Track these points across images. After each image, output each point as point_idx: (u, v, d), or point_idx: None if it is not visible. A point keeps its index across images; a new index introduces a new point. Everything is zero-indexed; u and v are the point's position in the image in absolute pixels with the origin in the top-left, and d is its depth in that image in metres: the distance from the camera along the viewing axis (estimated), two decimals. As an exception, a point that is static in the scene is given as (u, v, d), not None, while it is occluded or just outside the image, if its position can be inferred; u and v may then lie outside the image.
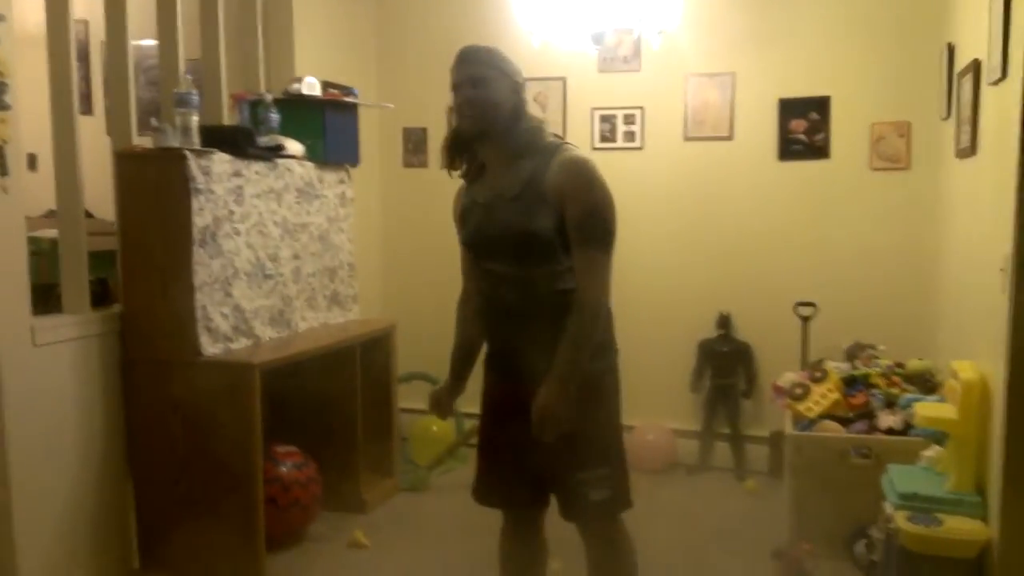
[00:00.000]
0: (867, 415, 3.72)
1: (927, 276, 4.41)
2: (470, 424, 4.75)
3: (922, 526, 2.89)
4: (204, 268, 3.32)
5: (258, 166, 3.62)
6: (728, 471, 4.72)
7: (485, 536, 3.24)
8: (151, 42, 3.96)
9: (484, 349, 2.66)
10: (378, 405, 4.23)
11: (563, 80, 4.99)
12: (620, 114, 4.93)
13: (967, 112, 3.51)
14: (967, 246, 3.57)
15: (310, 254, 4.01)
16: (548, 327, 2.36)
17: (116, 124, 3.55)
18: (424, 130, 5.28)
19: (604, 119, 4.96)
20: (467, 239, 2.51)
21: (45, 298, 3.41)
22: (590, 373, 2.40)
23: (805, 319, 4.54)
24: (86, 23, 5.01)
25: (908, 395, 3.70)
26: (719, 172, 4.79)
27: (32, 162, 4.57)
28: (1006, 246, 2.68)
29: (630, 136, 4.93)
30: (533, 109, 4.94)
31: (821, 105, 4.62)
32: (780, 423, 4.44)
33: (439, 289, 5.40)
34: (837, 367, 4.04)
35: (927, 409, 3.22)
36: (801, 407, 3.82)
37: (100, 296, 3.54)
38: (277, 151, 3.70)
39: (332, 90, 4.01)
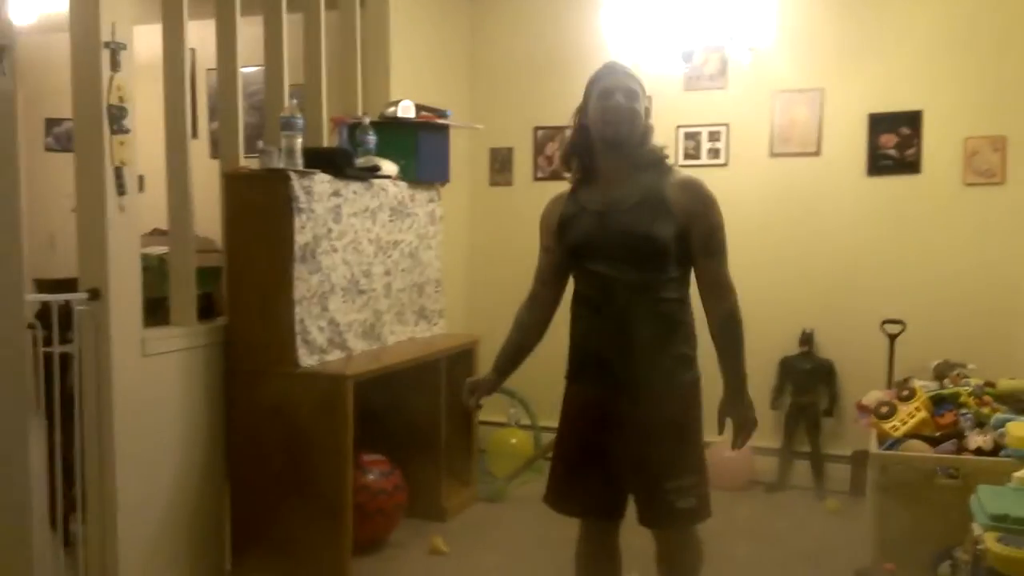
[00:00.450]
0: (955, 435, 3.66)
1: (1020, 294, 4.31)
2: (548, 439, 4.84)
3: (1012, 547, 2.84)
4: (303, 283, 3.50)
5: (355, 186, 3.80)
6: (807, 490, 4.70)
7: (560, 547, 3.32)
8: (253, 69, 4.17)
9: (568, 360, 2.75)
10: (460, 417, 4.34)
11: (648, 98, 5.04)
12: (705, 131, 4.97)
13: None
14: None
15: (400, 270, 4.17)
16: (651, 331, 2.50)
17: (224, 147, 3.77)
18: (510, 150, 5.41)
19: (688, 136, 5.01)
20: (574, 243, 2.59)
21: (152, 311, 3.62)
22: (680, 384, 2.54)
23: (892, 337, 4.49)
24: (193, 51, 5.30)
25: (1000, 415, 3.63)
26: (805, 188, 4.78)
27: (140, 183, 4.86)
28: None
29: (715, 153, 4.96)
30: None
31: (912, 119, 4.58)
32: (862, 442, 4.39)
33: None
34: (925, 386, 3.99)
35: (1020, 429, 3.16)
36: (887, 426, 3.78)
37: (206, 310, 3.75)
38: (373, 171, 3.87)
39: (425, 112, 4.17)
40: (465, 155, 5.32)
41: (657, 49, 4.19)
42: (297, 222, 3.45)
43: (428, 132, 4.23)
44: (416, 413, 4.13)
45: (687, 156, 5.01)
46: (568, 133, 2.71)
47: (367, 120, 3.96)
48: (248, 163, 3.76)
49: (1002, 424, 3.45)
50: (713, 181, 4.76)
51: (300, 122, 3.50)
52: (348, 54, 4.45)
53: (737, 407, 2.56)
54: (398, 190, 4.11)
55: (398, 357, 3.89)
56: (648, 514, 2.60)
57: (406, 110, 4.07)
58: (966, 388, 3.89)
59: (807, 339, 4.73)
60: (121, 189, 3.10)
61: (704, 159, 4.98)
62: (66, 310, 3.02)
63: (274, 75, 3.97)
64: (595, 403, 2.62)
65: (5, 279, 1.88)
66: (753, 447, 4.79)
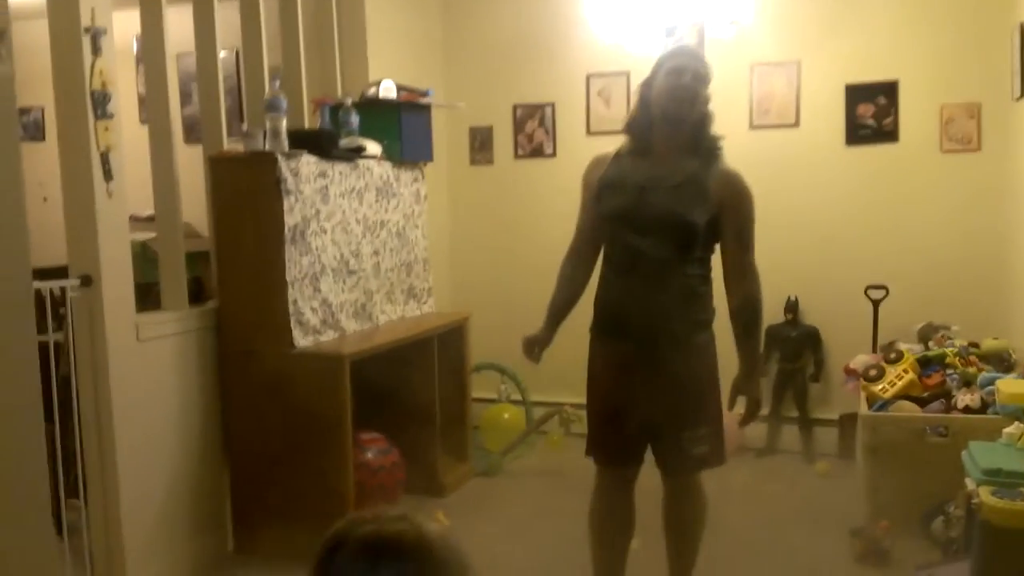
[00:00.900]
0: (943, 395, 3.74)
1: (999, 256, 4.40)
2: (540, 412, 4.87)
3: (1007, 500, 2.91)
4: (295, 265, 3.49)
5: (341, 167, 3.78)
6: (796, 454, 4.77)
7: (557, 517, 3.38)
8: (223, 53, 4.12)
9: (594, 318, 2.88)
10: (453, 394, 4.38)
11: (627, 74, 5.06)
12: (684, 106, 4.98)
13: (1043, 91, 3.51)
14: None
15: (388, 250, 4.16)
16: (672, 303, 2.68)
17: (206, 131, 3.73)
18: (490, 128, 5.40)
19: (668, 111, 5.02)
20: (612, 211, 2.73)
21: (139, 298, 3.58)
22: (696, 343, 2.73)
23: (876, 302, 4.56)
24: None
25: (986, 374, 3.71)
26: (785, 159, 4.82)
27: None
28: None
29: (695, 127, 4.98)
30: (597, 103, 5.12)
31: (889, 89, 4.64)
32: (849, 406, 4.47)
33: (504, 282, 5.57)
34: (909, 348, 4.06)
35: (1011, 386, 3.23)
36: (876, 388, 3.85)
37: (196, 294, 3.72)
38: (358, 152, 3.85)
39: (406, 92, 4.15)
40: (444, 134, 5.31)
41: (636, 25, 4.19)
42: (286, 204, 3.43)
43: (411, 112, 4.21)
44: (410, 391, 4.13)
45: (667, 130, 5.03)
46: (632, 105, 2.84)
47: (349, 101, 3.93)
48: (231, 146, 3.73)
49: (988, 383, 3.53)
50: None
51: (284, 103, 3.47)
52: (325, 35, 4.41)
53: (750, 386, 2.74)
54: (383, 170, 4.09)
55: (391, 336, 3.89)
56: (665, 459, 2.80)
57: (387, 90, 4.05)
58: (952, 349, 3.97)
59: (792, 307, 4.78)
60: (108, 175, 3.06)
61: (684, 132, 5.00)
62: (55, 298, 2.98)
63: (253, 58, 3.93)
64: (618, 359, 2.77)
65: (12, 264, 1.86)
66: (742, 414, 4.85)
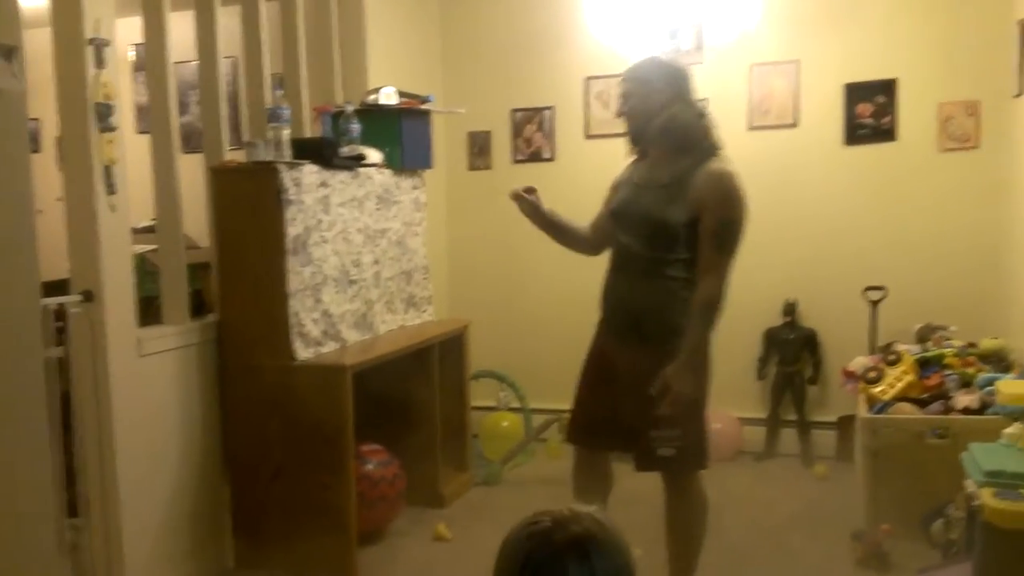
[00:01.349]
0: (942, 396, 3.75)
1: (998, 256, 4.42)
2: (539, 420, 4.88)
3: (1008, 501, 2.92)
4: (296, 276, 3.49)
5: (342, 175, 3.78)
6: (795, 457, 4.79)
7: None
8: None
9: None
10: (453, 402, 4.38)
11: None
12: (683, 107, 5.00)
13: (1043, 88, 3.51)
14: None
15: (389, 259, 4.17)
16: (654, 304, 2.80)
17: (207, 141, 3.73)
18: (488, 133, 5.41)
19: (667, 113, 5.03)
20: (612, 209, 2.95)
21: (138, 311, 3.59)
22: (672, 348, 2.76)
23: (874, 303, 4.58)
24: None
25: (985, 375, 3.72)
26: (784, 160, 4.83)
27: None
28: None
29: (694, 129, 4.99)
30: (595, 107, 5.13)
31: (887, 88, 4.65)
32: (847, 408, 4.49)
33: (504, 289, 5.59)
34: (908, 349, 4.07)
35: (1011, 387, 3.24)
36: (875, 390, 3.86)
37: (197, 307, 3.71)
38: (359, 160, 3.85)
39: (406, 98, 4.16)
40: (443, 140, 5.31)
41: (635, 28, 4.20)
42: (288, 214, 3.43)
43: (411, 118, 4.21)
44: (410, 401, 4.14)
45: (666, 132, 5.04)
46: None
47: (350, 109, 3.93)
48: (231, 156, 3.73)
49: (988, 383, 3.54)
50: None
51: (287, 113, 3.48)
52: (325, 42, 4.41)
53: (674, 371, 2.71)
54: (383, 178, 4.09)
55: (392, 346, 3.89)
56: (637, 459, 2.88)
57: (388, 97, 4.05)
58: (950, 350, 3.99)
59: (790, 309, 4.80)
60: (111, 188, 3.06)
61: (683, 135, 5.01)
62: (58, 312, 2.99)
63: (253, 65, 3.94)
64: (602, 350, 2.96)
65: (21, 281, 1.88)
66: (741, 417, 4.89)
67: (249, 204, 3.47)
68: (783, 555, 3.57)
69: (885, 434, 3.65)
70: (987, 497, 2.96)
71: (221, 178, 3.55)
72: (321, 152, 3.64)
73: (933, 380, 3.84)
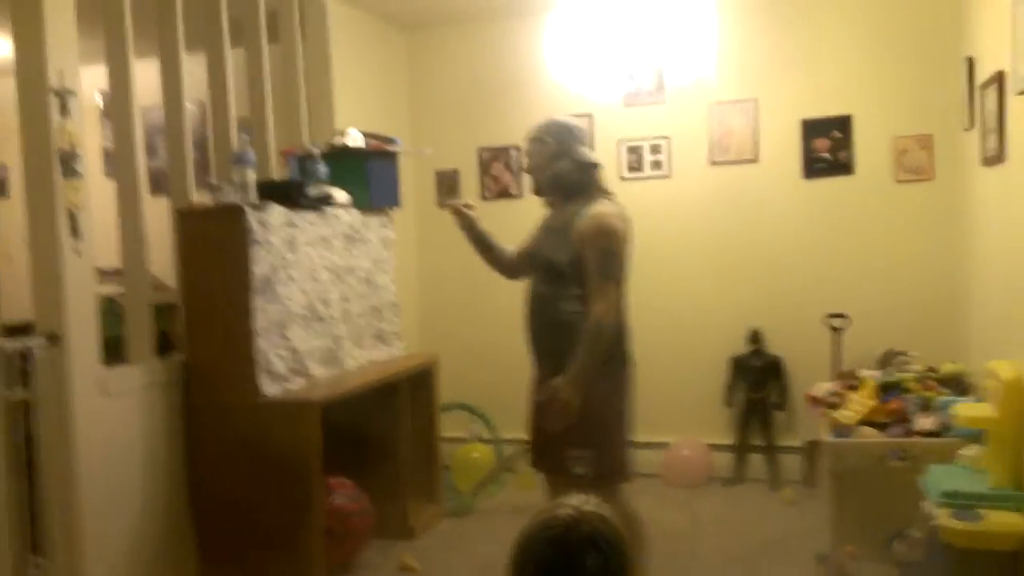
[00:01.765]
0: (903, 419, 3.81)
1: (955, 282, 4.51)
2: (509, 450, 4.91)
3: (964, 522, 2.97)
4: (263, 314, 3.53)
5: (309, 216, 3.84)
6: (762, 482, 4.84)
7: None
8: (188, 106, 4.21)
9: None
10: (422, 435, 4.41)
11: (590, 116, 5.18)
12: (647, 144, 5.11)
13: (992, 122, 3.60)
14: (998, 249, 3.67)
15: (357, 295, 4.22)
16: (554, 338, 3.07)
17: (174, 184, 3.79)
18: (456, 171, 5.50)
19: (631, 150, 5.15)
20: (523, 250, 3.31)
21: (104, 352, 3.61)
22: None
23: (836, 330, 4.66)
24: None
25: (944, 398, 3.79)
26: (746, 194, 4.95)
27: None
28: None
29: (657, 165, 5.11)
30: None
31: (843, 123, 4.78)
32: (813, 433, 4.54)
33: (474, 322, 5.65)
34: (870, 375, 4.14)
35: (967, 409, 3.30)
36: (839, 415, 3.92)
37: (162, 348, 3.73)
38: (326, 201, 3.92)
39: (373, 140, 4.24)
40: (412, 177, 5.39)
41: (598, 69, 4.31)
42: (254, 254, 3.48)
43: (378, 160, 4.29)
44: (380, 434, 4.17)
45: (631, 169, 5.15)
46: None
47: (317, 151, 4.01)
48: (198, 198, 3.79)
49: (946, 406, 3.60)
50: (657, 192, 5.07)
51: (252, 156, 3.54)
52: (291, 86, 4.50)
53: (565, 389, 2.94)
54: (351, 217, 4.16)
55: (359, 380, 3.93)
56: (557, 475, 3.11)
57: (355, 140, 4.13)
58: (910, 374, 4.06)
59: (756, 337, 4.88)
60: (75, 233, 3.11)
61: (647, 171, 5.12)
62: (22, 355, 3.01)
63: (220, 110, 4.01)
64: (533, 380, 3.23)
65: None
66: (709, 444, 4.95)
67: (216, 245, 3.52)
68: (751, 580, 3.61)
69: (848, 458, 3.70)
70: (944, 517, 3.02)
71: (188, 220, 3.61)
72: (288, 193, 3.70)
73: (894, 404, 3.90)
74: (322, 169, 3.99)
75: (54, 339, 3.06)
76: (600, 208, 3.06)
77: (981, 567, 2.93)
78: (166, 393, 3.57)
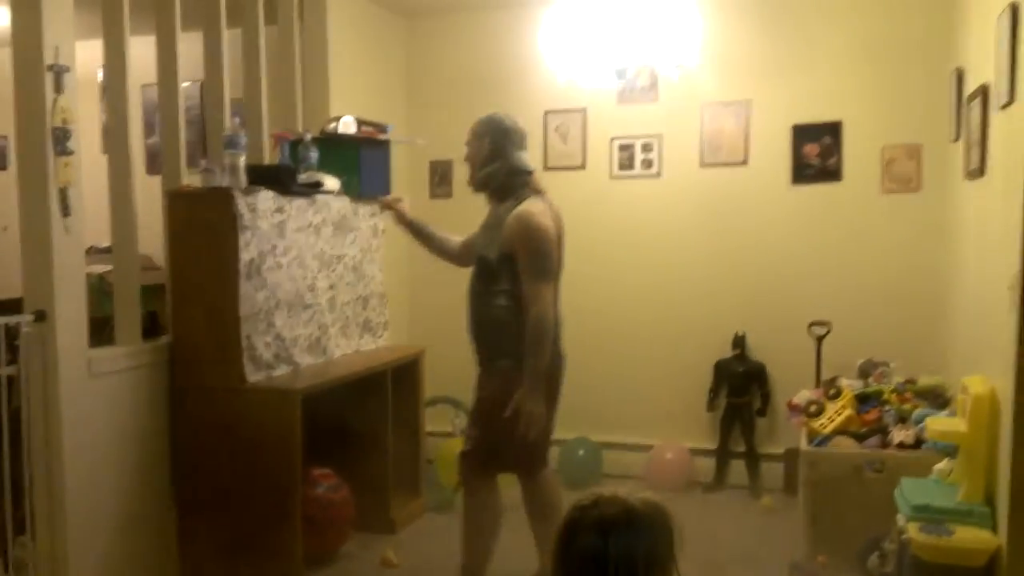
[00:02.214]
0: (880, 431, 3.86)
1: (938, 295, 4.55)
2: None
3: (934, 536, 3.00)
4: (249, 300, 3.53)
5: (299, 202, 3.83)
6: (743, 489, 4.87)
7: (508, 550, 3.43)
8: (187, 83, 4.18)
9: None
10: (406, 428, 4.42)
11: (583, 111, 5.19)
12: (638, 143, 5.13)
13: (976, 135, 3.62)
14: (977, 264, 3.70)
15: (345, 284, 4.22)
16: (486, 331, 3.29)
17: (166, 165, 3.78)
18: (450, 162, 5.48)
19: (623, 148, 5.16)
20: (470, 243, 3.48)
21: (94, 331, 3.60)
22: (498, 367, 3.24)
23: (819, 338, 4.70)
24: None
25: (920, 410, 3.83)
26: (734, 197, 4.97)
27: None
28: (1014, 265, 2.79)
29: (648, 164, 5.12)
30: (554, 139, 5.24)
31: (833, 130, 4.81)
32: (794, 440, 4.57)
33: (461, 316, 5.60)
34: (851, 384, 4.18)
35: (938, 423, 3.35)
36: (816, 424, 3.97)
37: (150, 328, 3.74)
38: (316, 187, 3.91)
39: (366, 127, 4.22)
40: (405, 168, 5.38)
41: (591, 65, 4.30)
42: (242, 239, 3.48)
43: (370, 148, 4.28)
44: (363, 425, 4.18)
45: (621, 167, 5.16)
46: None
47: (309, 136, 4.00)
48: (190, 179, 3.78)
49: (923, 419, 3.65)
50: (647, 191, 5.08)
51: (243, 140, 3.53)
52: (287, 69, 4.48)
53: (525, 398, 3.11)
54: (341, 205, 4.15)
55: (344, 370, 3.93)
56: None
57: (347, 126, 4.12)
58: (888, 386, 4.11)
59: (739, 342, 4.91)
60: (66, 211, 3.10)
61: (638, 170, 5.14)
62: (9, 331, 3.01)
63: (214, 91, 3.99)
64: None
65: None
66: (691, 448, 4.98)
67: (204, 228, 3.51)
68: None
69: (823, 467, 3.75)
70: (914, 531, 3.06)
71: (177, 202, 3.59)
72: (278, 178, 3.69)
73: (871, 415, 3.95)
74: (313, 155, 3.98)
75: (42, 316, 3.06)
76: (529, 207, 3.18)
77: (950, 581, 2.98)
78: (151, 374, 3.57)
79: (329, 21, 4.70)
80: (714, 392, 4.98)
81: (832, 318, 4.73)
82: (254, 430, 3.49)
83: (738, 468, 4.95)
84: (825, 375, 4.57)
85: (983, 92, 3.50)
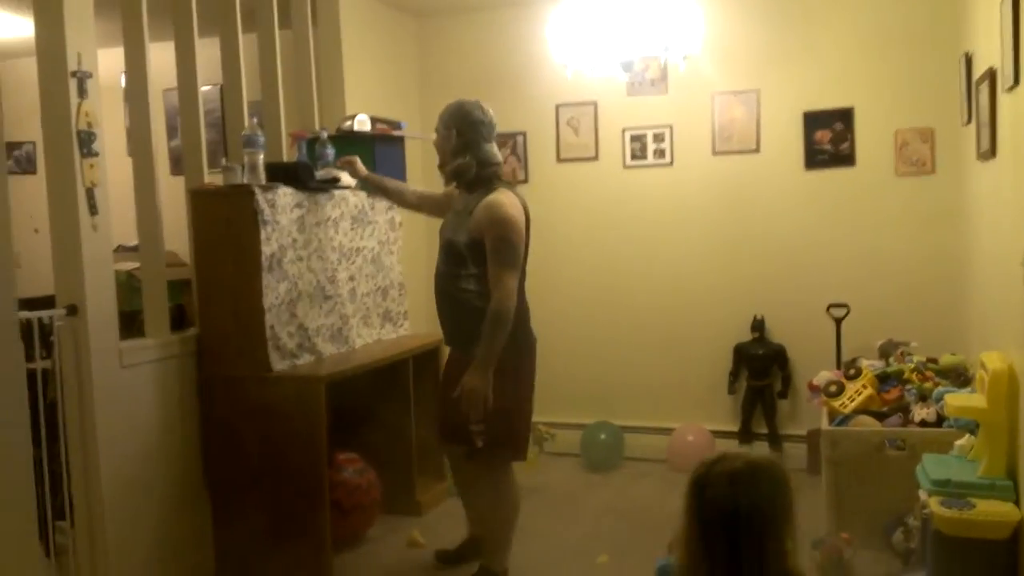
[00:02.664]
0: (901, 409, 3.87)
1: (955, 274, 4.56)
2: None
3: (956, 510, 3.00)
4: (272, 291, 3.61)
5: (317, 197, 3.91)
6: (766, 470, 4.88)
7: (531, 534, 3.47)
8: (206, 88, 4.26)
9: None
10: (428, 413, 4.44)
11: (594, 104, 5.24)
12: (650, 133, 5.17)
13: (985, 117, 3.64)
14: (991, 244, 3.72)
15: (364, 276, 4.29)
16: (452, 313, 3.41)
17: (188, 164, 3.87)
18: (464, 156, 5.54)
19: (635, 138, 5.20)
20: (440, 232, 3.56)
21: (124, 325, 3.69)
22: (472, 353, 3.23)
23: (838, 320, 4.72)
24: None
25: (941, 388, 3.84)
26: (748, 184, 5.00)
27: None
28: (1024, 242, 2.81)
29: (660, 153, 5.16)
30: (566, 132, 5.29)
31: (845, 116, 4.83)
32: (816, 421, 4.60)
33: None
34: (871, 365, 4.19)
35: (957, 399, 3.35)
36: (836, 403, 3.98)
37: (178, 321, 3.84)
38: (333, 183, 3.98)
39: (381, 124, 4.30)
40: (420, 163, 5.44)
41: (600, 58, 4.33)
42: (263, 234, 3.56)
43: (384, 144, 4.35)
44: (387, 412, 4.26)
45: (634, 157, 5.21)
46: None
47: (325, 135, 4.07)
48: (212, 178, 3.86)
49: (943, 397, 3.66)
50: (660, 180, 5.13)
51: (261, 139, 3.62)
52: (302, 71, 4.56)
53: (470, 377, 3.19)
54: (358, 199, 4.23)
55: (366, 358, 4.00)
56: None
57: (362, 124, 4.19)
58: (909, 365, 4.11)
59: (758, 325, 4.94)
60: (93, 209, 3.18)
61: (650, 159, 5.18)
62: (43, 326, 3.10)
63: (233, 93, 4.07)
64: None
65: None
66: (713, 430, 5.01)
67: (226, 224, 3.60)
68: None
69: (844, 445, 3.76)
70: (935, 506, 3.07)
71: (200, 200, 3.68)
72: (296, 175, 3.77)
73: (892, 394, 3.96)
74: (330, 152, 4.05)
75: (73, 310, 3.15)
76: (497, 197, 3.27)
77: (974, 555, 2.95)
78: (180, 365, 3.66)
79: (342, 23, 4.79)
80: (734, 375, 5.02)
81: (850, 300, 4.75)
82: (281, 417, 3.56)
83: (760, 450, 4.96)
84: (845, 356, 4.58)
85: (991, 76, 3.52)
